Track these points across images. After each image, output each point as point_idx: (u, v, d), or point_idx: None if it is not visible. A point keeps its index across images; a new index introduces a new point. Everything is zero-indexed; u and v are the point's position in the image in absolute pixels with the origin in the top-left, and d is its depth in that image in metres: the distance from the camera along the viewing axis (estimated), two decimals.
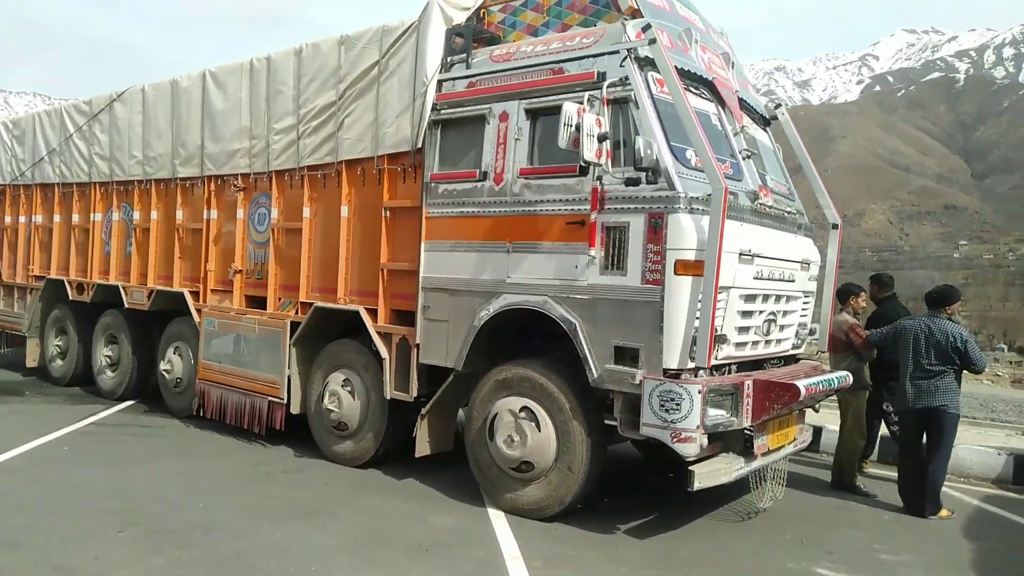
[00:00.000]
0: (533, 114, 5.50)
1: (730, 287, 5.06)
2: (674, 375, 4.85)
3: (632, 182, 4.95)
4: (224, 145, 7.65)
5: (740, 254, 5.10)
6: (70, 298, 9.70)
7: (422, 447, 6.10)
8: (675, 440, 4.74)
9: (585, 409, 5.24)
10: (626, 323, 4.99)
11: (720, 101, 5.75)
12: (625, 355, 5.01)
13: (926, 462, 6.10)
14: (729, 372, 5.31)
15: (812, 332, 6.41)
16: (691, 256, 4.80)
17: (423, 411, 6.05)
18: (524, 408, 5.38)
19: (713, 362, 5.03)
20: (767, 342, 5.69)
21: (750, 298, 5.35)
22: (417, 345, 6.00)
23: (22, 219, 10.81)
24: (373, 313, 6.35)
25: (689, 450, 4.76)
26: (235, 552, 4.59)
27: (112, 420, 8.27)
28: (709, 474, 5.00)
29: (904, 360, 6.21)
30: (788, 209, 6.00)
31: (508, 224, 5.55)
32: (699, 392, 4.70)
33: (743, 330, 5.36)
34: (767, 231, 5.57)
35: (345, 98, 6.53)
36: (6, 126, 11.24)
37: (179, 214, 8.25)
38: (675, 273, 4.80)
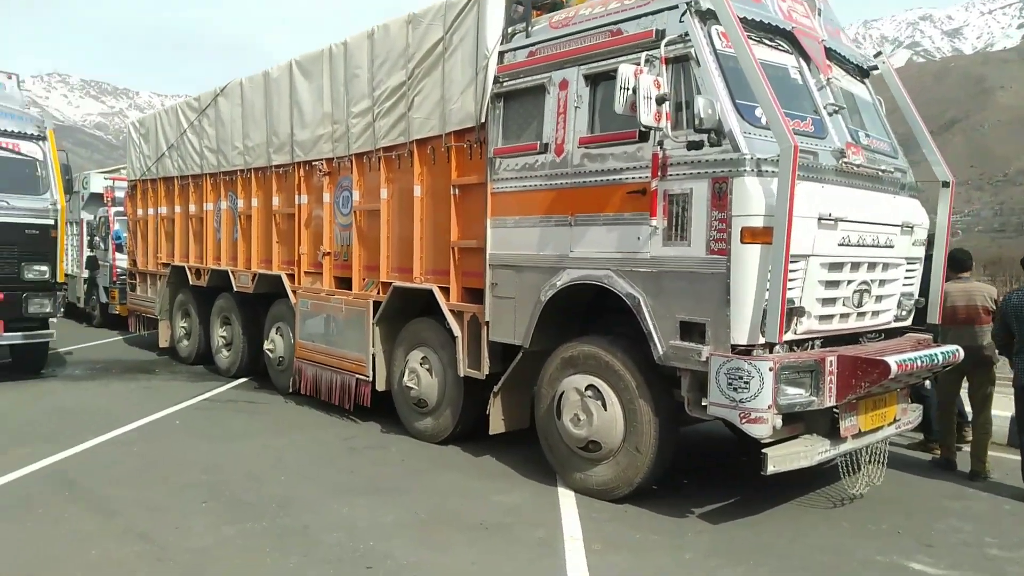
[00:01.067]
0: (592, 80, 5.26)
1: (808, 255, 4.65)
2: (744, 351, 4.52)
3: (694, 145, 4.63)
4: (310, 131, 7.88)
5: (820, 219, 4.67)
6: (190, 283, 10.42)
7: (496, 425, 6.07)
8: (744, 420, 4.44)
9: (652, 387, 5.01)
10: (692, 296, 4.71)
11: (802, 52, 5.27)
12: (692, 330, 4.73)
13: None
14: (812, 347, 4.91)
15: (919, 303, 5.82)
16: (759, 223, 4.44)
17: (495, 389, 6.01)
18: (590, 386, 5.22)
19: (792, 337, 4.68)
20: (860, 314, 5.21)
21: (835, 267, 4.89)
22: (487, 323, 5.96)
23: (150, 211, 11.71)
24: (446, 292, 6.37)
25: (760, 431, 4.44)
26: (302, 526, 4.74)
27: (223, 396, 8.82)
28: (785, 457, 4.66)
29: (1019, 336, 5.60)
30: (883, 167, 5.43)
31: (570, 196, 5.36)
32: (770, 369, 4.36)
33: (828, 302, 4.93)
34: (857, 192, 5.07)
35: (414, 77, 6.54)
36: (135, 126, 12.17)
37: (275, 200, 8.63)
38: (741, 241, 4.46)
